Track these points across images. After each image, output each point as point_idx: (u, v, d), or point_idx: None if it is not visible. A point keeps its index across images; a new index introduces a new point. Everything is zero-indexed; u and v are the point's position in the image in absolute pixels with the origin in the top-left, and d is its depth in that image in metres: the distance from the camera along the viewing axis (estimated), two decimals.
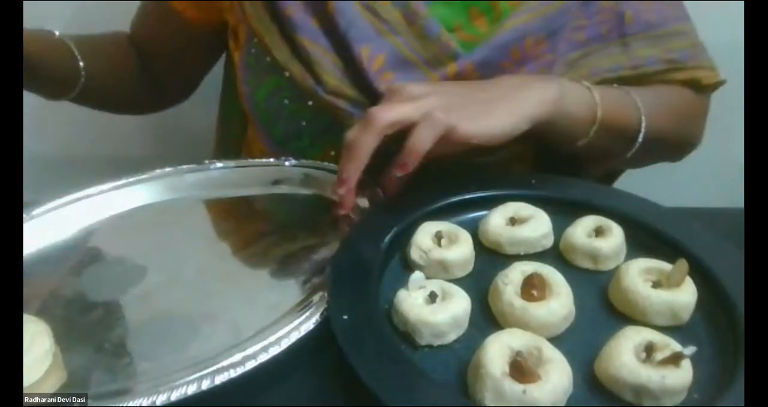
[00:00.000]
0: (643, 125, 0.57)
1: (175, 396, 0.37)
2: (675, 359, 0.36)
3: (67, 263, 0.51)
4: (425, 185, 0.54)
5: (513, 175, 0.55)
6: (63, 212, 0.55)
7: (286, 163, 0.60)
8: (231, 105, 0.76)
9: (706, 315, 0.42)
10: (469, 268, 0.47)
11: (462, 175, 0.55)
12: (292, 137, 0.61)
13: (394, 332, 0.41)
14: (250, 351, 0.39)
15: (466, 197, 0.52)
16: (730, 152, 0.83)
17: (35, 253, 0.51)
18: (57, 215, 0.54)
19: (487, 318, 0.42)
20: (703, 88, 0.65)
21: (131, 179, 0.59)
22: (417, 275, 0.42)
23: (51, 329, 0.39)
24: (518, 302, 0.41)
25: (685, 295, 0.42)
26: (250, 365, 0.38)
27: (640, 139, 0.58)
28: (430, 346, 0.40)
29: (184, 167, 0.60)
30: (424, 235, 0.46)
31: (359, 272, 0.43)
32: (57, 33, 0.64)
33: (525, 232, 0.48)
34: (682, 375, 0.36)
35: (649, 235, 0.49)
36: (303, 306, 0.44)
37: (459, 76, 0.57)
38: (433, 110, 0.48)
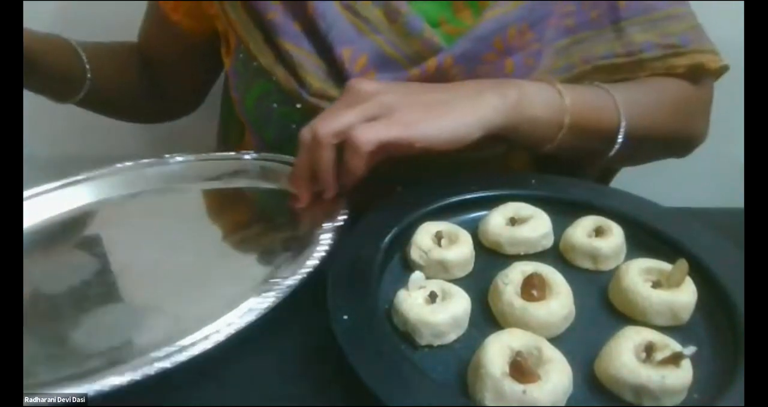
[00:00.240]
0: (623, 125, 0.56)
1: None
2: (675, 359, 0.36)
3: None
4: (425, 185, 0.54)
5: (513, 175, 0.55)
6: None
7: (246, 156, 0.61)
8: (230, 111, 0.76)
9: (706, 315, 0.42)
10: (469, 268, 0.47)
11: (462, 175, 0.55)
12: (284, 140, 0.61)
13: (394, 332, 0.41)
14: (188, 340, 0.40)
15: (466, 197, 0.52)
16: (730, 152, 0.83)
17: None
18: None
19: (487, 318, 0.42)
20: (706, 74, 0.63)
21: (90, 174, 0.59)
22: (417, 275, 0.42)
23: None
24: (518, 302, 0.41)
25: (685, 295, 0.42)
26: (183, 356, 0.38)
27: (619, 139, 0.56)
28: (430, 346, 0.40)
29: (144, 161, 0.61)
30: (424, 235, 0.46)
31: (359, 272, 0.43)
32: (72, 42, 0.65)
33: (525, 232, 0.48)
34: (682, 375, 0.36)
35: (649, 235, 0.49)
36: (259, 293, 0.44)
37: (439, 71, 0.56)
38: (379, 113, 0.47)
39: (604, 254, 0.46)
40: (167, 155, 0.61)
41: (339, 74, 0.57)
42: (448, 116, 0.49)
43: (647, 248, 0.48)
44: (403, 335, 0.41)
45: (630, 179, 0.70)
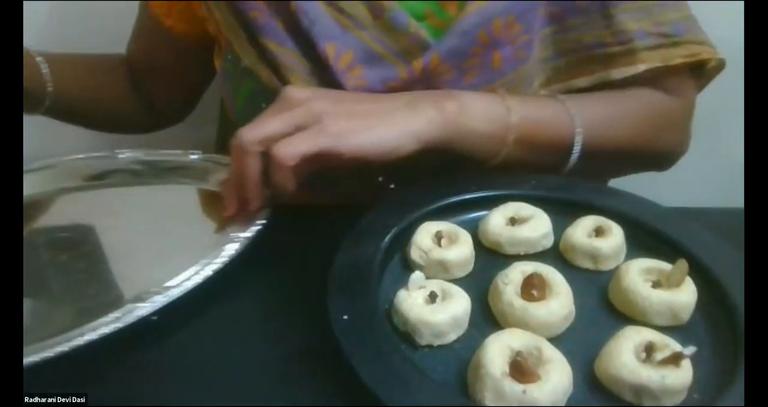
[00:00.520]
0: (577, 141, 0.55)
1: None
2: (675, 359, 0.36)
3: None
4: (425, 185, 0.54)
5: (513, 175, 0.55)
6: None
7: (192, 156, 0.62)
8: (227, 113, 0.76)
9: (706, 315, 0.42)
10: (469, 268, 0.47)
11: (462, 175, 0.55)
12: None
13: (394, 332, 0.41)
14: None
15: (466, 197, 0.52)
16: (730, 152, 0.83)
17: None
18: None
19: (487, 318, 0.42)
20: (702, 71, 0.62)
21: (50, 161, 0.62)
22: (417, 275, 0.42)
23: None
24: (518, 302, 0.41)
25: (685, 295, 0.42)
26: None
27: (574, 155, 0.56)
28: (430, 346, 0.40)
29: (95, 154, 0.63)
30: (424, 235, 0.46)
31: (359, 272, 0.43)
32: (32, 53, 0.64)
33: (525, 232, 0.48)
34: (682, 375, 0.36)
35: (649, 235, 0.49)
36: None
37: (426, 71, 0.55)
38: (306, 121, 0.47)
39: (604, 254, 0.46)
40: (117, 150, 0.64)
41: (324, 72, 0.56)
42: (379, 127, 0.48)
43: (647, 248, 0.48)
44: (403, 335, 0.41)
45: (630, 179, 0.70)
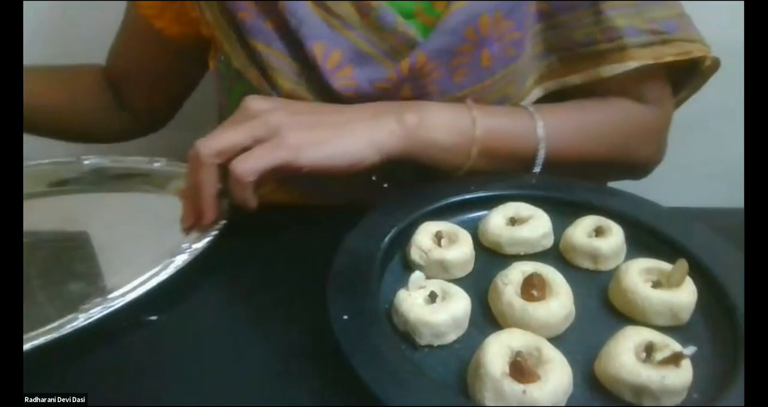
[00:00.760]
0: (540, 154, 0.55)
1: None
2: (675, 359, 0.36)
3: None
4: (425, 185, 0.54)
5: (513, 175, 0.55)
6: None
7: (155, 164, 0.62)
8: (225, 116, 0.76)
9: (706, 315, 0.42)
10: (469, 268, 0.47)
11: (462, 175, 0.55)
12: None
13: (394, 332, 0.41)
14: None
15: (466, 197, 0.52)
16: (730, 152, 0.83)
17: None
18: None
19: (487, 318, 0.42)
20: (697, 70, 0.61)
21: None
22: (417, 275, 0.42)
23: None
24: (518, 302, 0.41)
25: (685, 295, 0.42)
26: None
27: (536, 168, 0.56)
28: (430, 346, 0.40)
29: (58, 159, 0.63)
30: (424, 235, 0.46)
31: (359, 272, 0.43)
32: None
33: (525, 232, 0.48)
34: (682, 375, 0.36)
35: (649, 235, 0.49)
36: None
37: (413, 71, 0.54)
38: (265, 133, 0.47)
39: (604, 254, 0.46)
40: (83, 156, 0.64)
41: (312, 73, 0.56)
42: (338, 139, 0.48)
43: (647, 248, 0.48)
44: (403, 335, 0.41)
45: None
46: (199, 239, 0.49)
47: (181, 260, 0.47)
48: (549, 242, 0.49)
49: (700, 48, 0.59)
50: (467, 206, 0.52)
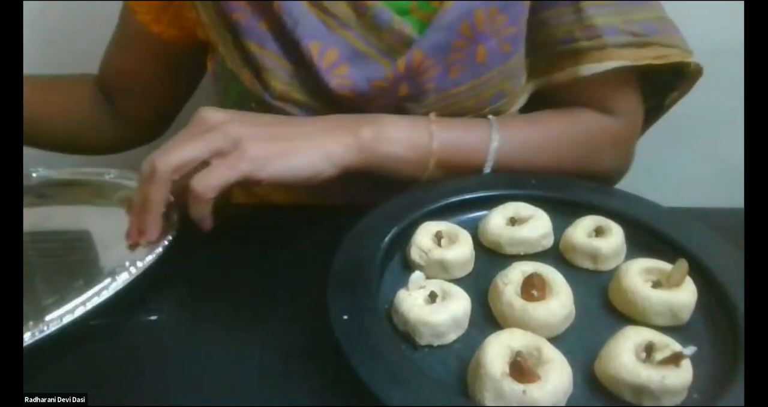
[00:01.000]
0: (487, 166, 0.55)
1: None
2: (675, 359, 0.36)
3: None
4: (425, 185, 0.54)
5: (513, 175, 0.55)
6: None
7: (107, 176, 0.61)
8: None
9: (706, 315, 0.42)
10: (469, 268, 0.47)
11: (462, 175, 0.55)
12: None
13: (394, 332, 0.41)
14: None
15: (466, 197, 0.52)
16: (730, 152, 0.83)
17: None
18: None
19: (487, 318, 0.42)
20: (681, 76, 0.61)
21: None
22: (417, 275, 0.42)
23: None
24: (518, 302, 0.41)
25: (685, 295, 0.42)
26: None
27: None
28: (430, 346, 0.40)
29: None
30: (424, 235, 0.46)
31: (359, 272, 0.43)
32: None
33: (525, 232, 0.48)
34: (682, 375, 0.36)
35: (649, 235, 0.49)
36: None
37: (410, 69, 0.54)
38: (224, 146, 0.46)
39: (604, 254, 0.46)
40: (31, 169, 0.63)
41: (306, 73, 0.55)
42: (295, 153, 0.48)
43: (647, 248, 0.48)
44: (403, 335, 0.41)
45: (630, 179, 0.70)
46: (144, 255, 0.47)
47: (122, 278, 0.46)
48: (549, 242, 0.49)
49: (678, 53, 0.58)
50: (467, 206, 0.52)
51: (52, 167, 0.64)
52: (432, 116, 0.56)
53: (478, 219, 0.50)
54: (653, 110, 0.66)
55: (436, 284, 0.42)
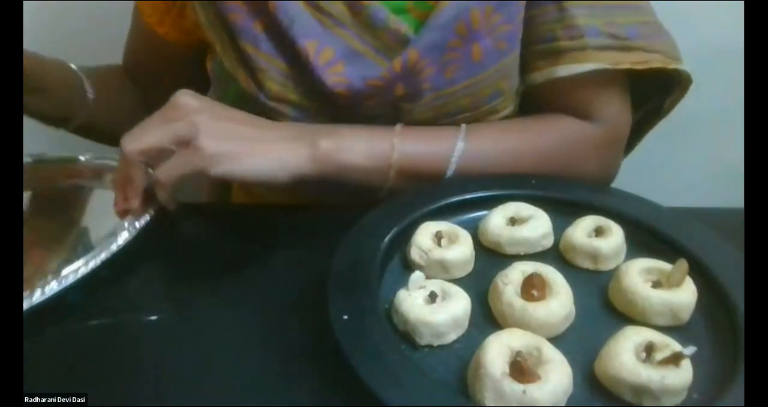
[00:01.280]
0: (449, 173, 0.55)
1: None
2: (675, 359, 0.36)
3: None
4: (425, 185, 0.54)
5: (513, 175, 0.55)
6: None
7: (81, 157, 0.63)
8: None
9: (706, 315, 0.42)
10: (469, 268, 0.47)
11: (462, 175, 0.55)
12: None
13: (394, 332, 0.41)
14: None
15: (466, 197, 0.52)
16: (730, 152, 0.83)
17: None
18: None
19: (487, 318, 0.42)
20: (671, 81, 0.59)
21: None
22: (417, 275, 0.42)
23: None
24: (518, 302, 0.41)
25: (685, 295, 0.42)
26: None
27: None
28: (430, 346, 0.40)
29: None
30: (424, 235, 0.46)
31: (359, 272, 0.43)
32: (73, 66, 0.65)
33: (525, 232, 0.48)
34: (682, 375, 0.36)
35: (649, 235, 0.49)
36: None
37: (406, 69, 0.54)
38: (187, 135, 0.48)
39: (604, 254, 0.46)
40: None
41: (301, 73, 0.56)
42: (249, 156, 0.49)
43: (647, 248, 0.48)
44: (403, 335, 0.41)
45: (630, 179, 0.70)
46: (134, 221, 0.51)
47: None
48: (549, 242, 0.49)
49: (660, 59, 0.57)
50: (467, 206, 0.52)
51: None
52: (398, 127, 0.56)
53: (478, 219, 0.50)
54: (652, 114, 0.66)
55: (436, 284, 0.42)
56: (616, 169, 0.64)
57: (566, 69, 0.57)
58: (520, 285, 0.42)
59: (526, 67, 0.60)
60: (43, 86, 0.59)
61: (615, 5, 0.57)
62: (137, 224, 0.51)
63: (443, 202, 0.51)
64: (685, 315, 0.42)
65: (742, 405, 0.34)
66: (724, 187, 0.79)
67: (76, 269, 0.46)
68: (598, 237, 0.47)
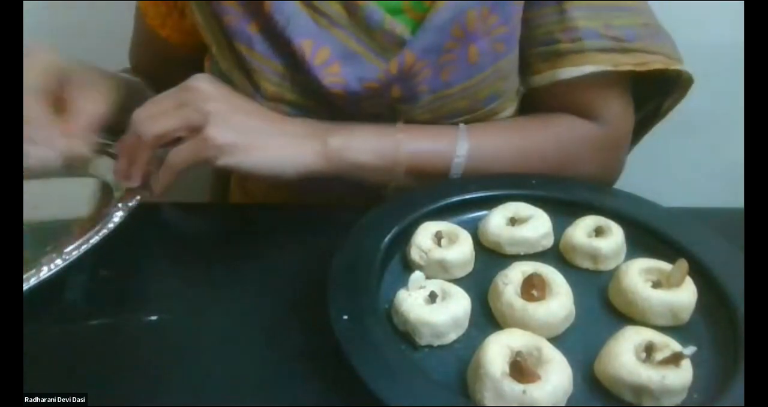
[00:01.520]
0: (455, 172, 0.56)
1: None
2: (675, 359, 0.36)
3: None
4: (425, 185, 0.54)
5: (513, 175, 0.55)
6: None
7: None
8: None
9: (706, 314, 0.42)
10: (469, 268, 0.47)
11: (462, 175, 0.55)
12: None
13: (394, 332, 0.41)
14: None
15: (466, 197, 0.52)
16: (730, 152, 0.83)
17: None
18: None
19: (487, 318, 0.42)
20: (669, 82, 0.59)
21: None
22: (417, 275, 0.42)
23: None
24: (518, 302, 0.41)
25: (685, 295, 0.42)
26: None
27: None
28: (430, 346, 0.40)
29: None
30: (424, 235, 0.46)
31: (359, 272, 0.43)
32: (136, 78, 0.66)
33: (525, 232, 0.48)
34: (682, 375, 0.36)
35: (649, 235, 0.49)
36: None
37: (402, 71, 0.54)
38: (200, 123, 0.48)
39: (604, 254, 0.46)
40: None
41: (297, 74, 0.55)
42: (259, 150, 0.50)
43: (647, 248, 0.48)
44: (403, 335, 0.41)
45: (630, 179, 0.70)
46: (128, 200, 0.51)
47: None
48: (549, 242, 0.49)
49: (661, 60, 0.56)
50: (467, 206, 0.52)
51: None
52: (400, 124, 0.56)
53: (478, 219, 0.50)
54: (651, 115, 0.66)
55: (436, 284, 0.42)
56: (619, 170, 0.64)
57: (567, 72, 0.57)
58: (520, 285, 0.42)
59: (526, 69, 0.60)
60: (130, 106, 0.59)
61: (612, 6, 0.57)
62: (129, 204, 0.51)
63: (443, 202, 0.51)
64: (685, 315, 0.42)
65: (742, 405, 0.34)
66: (724, 187, 0.79)
67: (79, 246, 0.46)
68: (598, 237, 0.47)
